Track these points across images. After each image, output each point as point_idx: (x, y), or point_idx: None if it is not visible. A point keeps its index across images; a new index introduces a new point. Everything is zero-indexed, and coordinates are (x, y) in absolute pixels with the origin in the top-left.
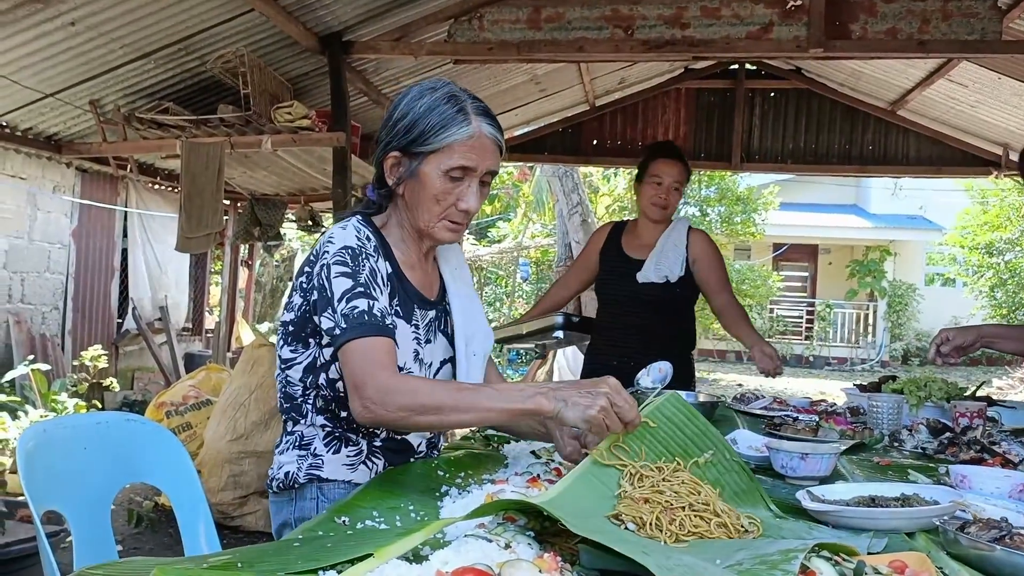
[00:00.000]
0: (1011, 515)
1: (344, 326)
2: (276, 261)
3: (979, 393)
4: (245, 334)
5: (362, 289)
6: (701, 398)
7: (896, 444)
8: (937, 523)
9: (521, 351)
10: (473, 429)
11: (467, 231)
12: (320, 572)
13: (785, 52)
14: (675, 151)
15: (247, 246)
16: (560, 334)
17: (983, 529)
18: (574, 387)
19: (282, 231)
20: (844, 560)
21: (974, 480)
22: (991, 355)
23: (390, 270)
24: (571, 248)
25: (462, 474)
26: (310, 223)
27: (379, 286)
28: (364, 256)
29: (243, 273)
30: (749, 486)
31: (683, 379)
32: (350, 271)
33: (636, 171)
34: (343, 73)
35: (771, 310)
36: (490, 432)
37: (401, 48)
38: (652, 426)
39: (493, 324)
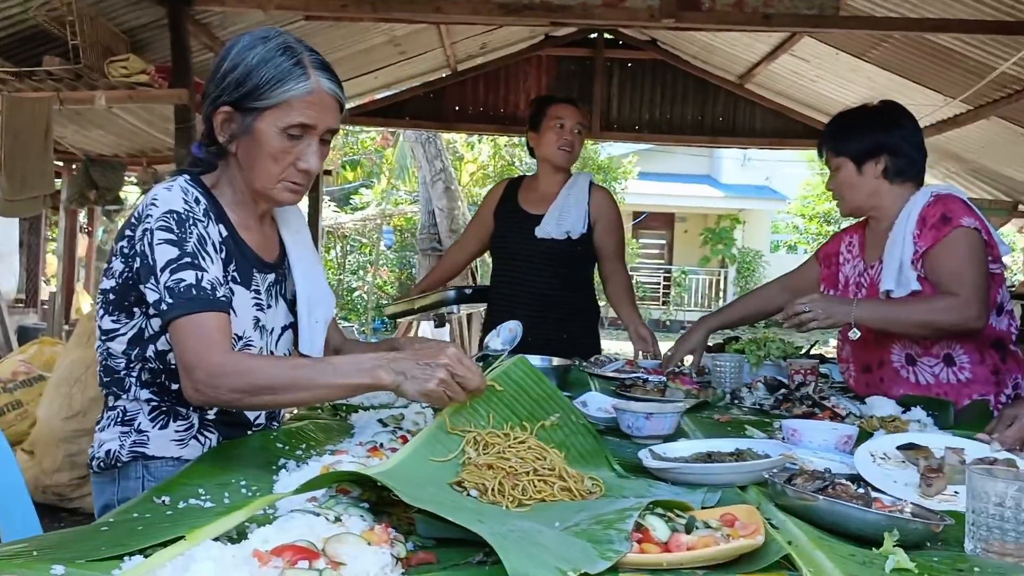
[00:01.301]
0: (835, 466)
1: (170, 301)
2: (119, 226)
3: (813, 352)
4: (85, 305)
5: (189, 259)
6: (555, 362)
7: (736, 401)
8: (766, 476)
9: (386, 320)
10: None
11: (329, 199)
12: (126, 558)
13: (639, 21)
14: (570, 98)
15: (87, 211)
16: (454, 308)
17: (808, 480)
18: (414, 357)
19: (122, 195)
20: (677, 516)
21: (804, 433)
22: None
23: (224, 233)
24: (435, 216)
25: (303, 446)
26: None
27: (209, 254)
28: (192, 221)
29: (83, 240)
30: (595, 447)
31: (590, 352)
32: (175, 238)
33: (526, 130)
34: (185, 26)
35: (631, 277)
36: (339, 401)
37: (248, 1)
38: (499, 390)
39: (384, 302)
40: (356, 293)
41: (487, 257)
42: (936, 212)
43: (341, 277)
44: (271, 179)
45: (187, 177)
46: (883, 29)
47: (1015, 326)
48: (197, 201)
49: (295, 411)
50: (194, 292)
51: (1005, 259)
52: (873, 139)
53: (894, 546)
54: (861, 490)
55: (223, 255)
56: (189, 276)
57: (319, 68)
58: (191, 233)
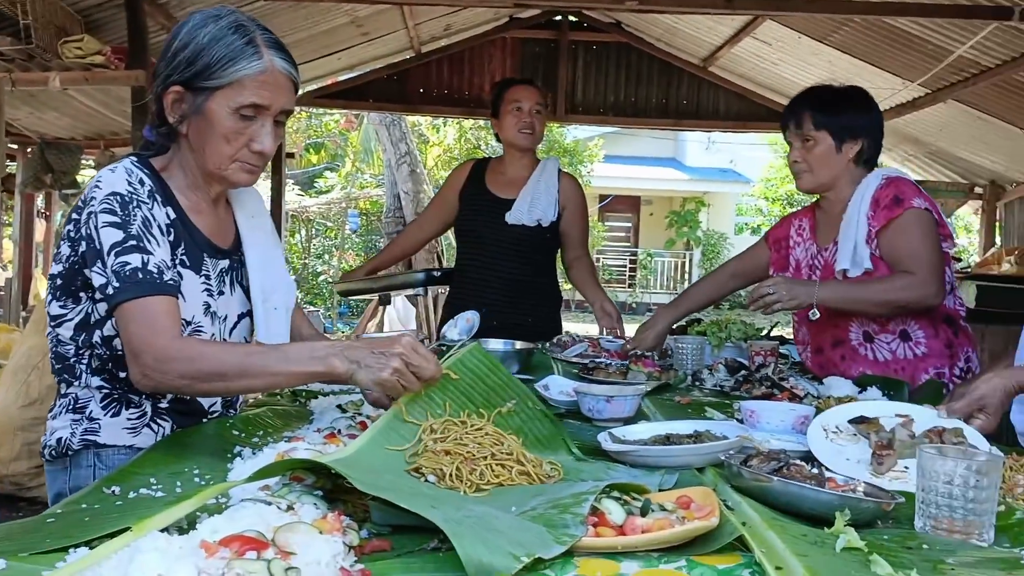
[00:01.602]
0: (792, 446)
1: (117, 284)
2: None
3: (774, 333)
4: (44, 291)
5: (134, 242)
6: (518, 345)
7: (698, 383)
8: (723, 458)
9: (352, 303)
10: None
11: (293, 182)
12: (71, 550)
13: (604, 3)
14: (526, 79)
15: (44, 196)
16: (420, 290)
17: (764, 461)
18: (368, 346)
19: (79, 178)
20: (633, 499)
21: (761, 415)
22: None
23: (173, 216)
24: (400, 199)
25: (260, 433)
26: None
27: (155, 237)
28: (136, 203)
29: (41, 225)
30: (552, 432)
31: (553, 336)
32: (119, 221)
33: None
34: (141, 6)
35: (597, 259)
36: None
37: None
38: (454, 378)
39: (327, 278)
40: (321, 277)
41: (452, 238)
42: (889, 194)
43: (306, 261)
44: (224, 160)
45: (133, 159)
46: (843, 12)
47: (960, 303)
48: (141, 182)
49: (254, 398)
50: (140, 276)
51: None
52: (859, 120)
53: (845, 525)
54: (815, 470)
55: (171, 238)
56: (135, 259)
57: (272, 47)
58: (135, 215)
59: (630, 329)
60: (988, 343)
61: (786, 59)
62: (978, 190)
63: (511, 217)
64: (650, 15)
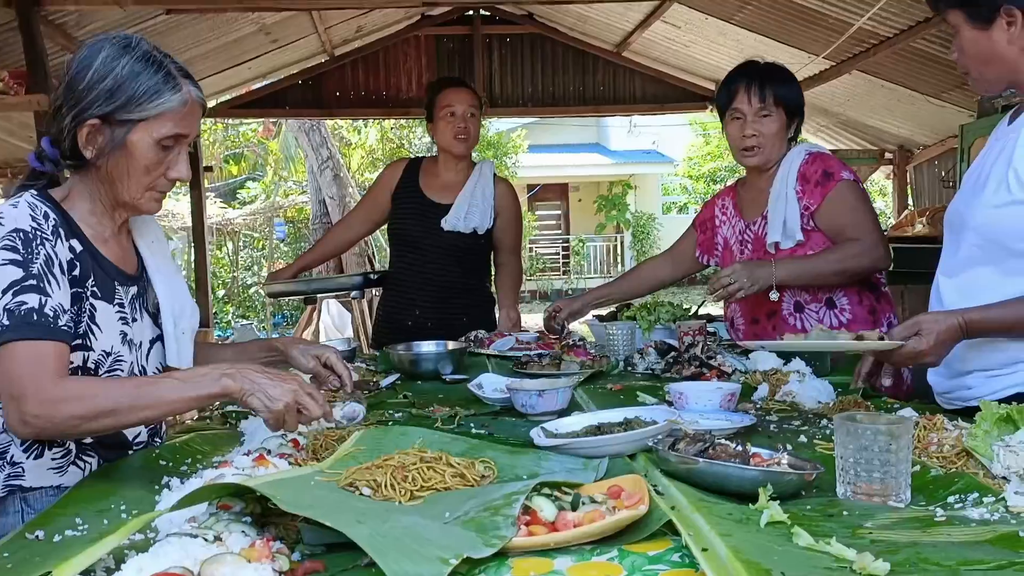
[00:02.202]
0: (720, 424)
1: (6, 323)
2: None
3: (702, 311)
4: None
5: (34, 282)
6: (450, 345)
7: (630, 368)
8: (651, 443)
9: (287, 312)
10: (212, 406)
11: (214, 195)
12: None
13: None
14: (457, 80)
15: None
16: (356, 293)
17: (691, 444)
18: (264, 373)
19: None
20: (564, 494)
21: (690, 396)
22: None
23: (80, 248)
24: (326, 204)
25: (188, 460)
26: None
27: (55, 277)
28: (39, 240)
29: None
30: (474, 445)
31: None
32: (21, 259)
33: (424, 113)
34: (38, 28)
35: (530, 249)
36: (229, 408)
37: None
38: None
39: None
40: (252, 289)
41: (384, 242)
42: (816, 169)
43: (235, 275)
44: (141, 190)
45: (33, 192)
46: None
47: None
48: (46, 216)
49: (182, 423)
50: (35, 317)
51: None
52: (800, 96)
53: (769, 500)
54: (739, 448)
55: (78, 271)
56: (32, 299)
57: (185, 76)
58: (38, 254)
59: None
60: (908, 302)
61: (697, 40)
62: (888, 155)
63: (447, 224)
64: (561, 5)
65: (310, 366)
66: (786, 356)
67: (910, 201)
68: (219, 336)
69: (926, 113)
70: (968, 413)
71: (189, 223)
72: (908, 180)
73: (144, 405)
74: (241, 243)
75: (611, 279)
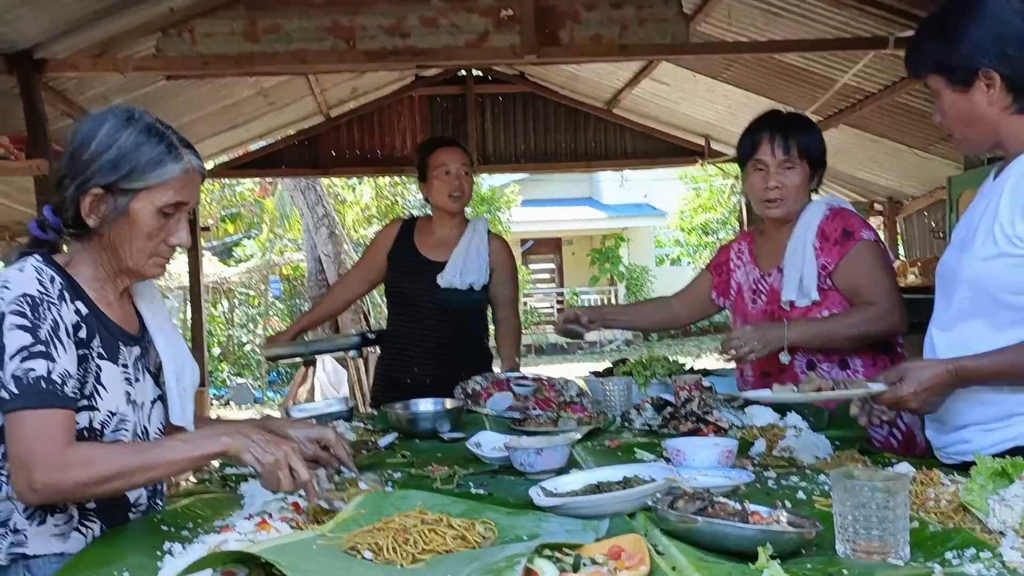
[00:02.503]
0: (718, 481)
1: (15, 391)
2: None
3: (699, 365)
4: None
5: (42, 348)
6: (448, 404)
7: (627, 424)
8: (650, 502)
9: (282, 370)
10: (211, 467)
11: (211, 253)
12: None
13: (503, 59)
14: (449, 139)
15: None
16: (354, 352)
17: (689, 502)
18: (260, 432)
19: None
20: (565, 555)
21: (687, 453)
22: (718, 324)
23: (85, 311)
24: (321, 262)
25: (189, 525)
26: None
27: (61, 342)
28: (46, 305)
29: None
30: (473, 506)
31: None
32: (29, 324)
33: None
34: (38, 94)
35: (524, 303)
36: (228, 471)
37: (104, 64)
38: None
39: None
40: (248, 347)
41: (379, 299)
42: (837, 227)
43: (231, 332)
44: (144, 256)
45: (37, 257)
46: (731, 52)
47: None
48: (52, 280)
49: (181, 486)
50: (43, 385)
51: None
52: (823, 148)
53: (769, 558)
54: (739, 506)
55: (84, 332)
56: (40, 367)
57: (186, 146)
58: (45, 319)
59: (554, 371)
60: (907, 352)
61: (686, 97)
62: (878, 207)
63: (443, 280)
64: (552, 65)
65: (309, 451)
66: (782, 410)
67: (901, 251)
68: (214, 394)
69: (913, 165)
70: (967, 467)
71: (186, 282)
72: (898, 231)
73: (150, 466)
74: (236, 301)
75: (605, 330)
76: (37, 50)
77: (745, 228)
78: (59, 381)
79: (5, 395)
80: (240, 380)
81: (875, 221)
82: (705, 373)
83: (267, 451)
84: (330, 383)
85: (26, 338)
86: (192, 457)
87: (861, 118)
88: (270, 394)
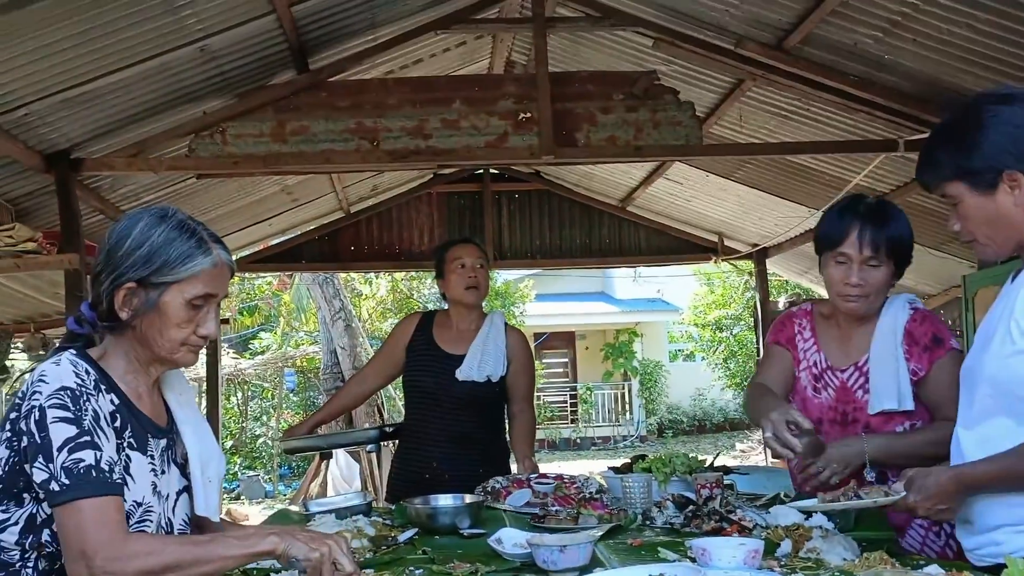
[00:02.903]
0: None
1: (67, 482)
2: (7, 395)
3: (717, 462)
4: None
5: (88, 437)
6: (467, 499)
7: (648, 522)
8: None
9: (294, 464)
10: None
11: (227, 345)
12: None
13: (521, 159)
14: (466, 238)
15: None
16: (372, 447)
17: None
18: (304, 532)
19: (9, 363)
20: None
21: (713, 552)
22: (734, 420)
23: (117, 402)
24: (337, 354)
25: None
26: (42, 352)
27: (103, 430)
28: (85, 396)
29: None
30: None
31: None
32: (72, 416)
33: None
34: (73, 192)
35: (538, 397)
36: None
37: (138, 164)
38: None
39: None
40: (260, 440)
41: (393, 392)
42: (926, 332)
43: (244, 425)
44: (175, 346)
45: (72, 352)
46: (744, 154)
47: None
48: (87, 372)
49: None
50: (94, 474)
51: None
52: (911, 246)
53: None
54: None
55: (117, 424)
56: (88, 456)
57: (216, 241)
58: (86, 409)
59: (569, 468)
60: None
61: (698, 195)
62: None
63: (461, 373)
64: (566, 165)
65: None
66: (808, 511)
67: None
68: (225, 487)
69: (928, 264)
70: (998, 570)
71: (202, 373)
72: None
73: (204, 560)
74: (250, 393)
75: (619, 427)
76: (74, 150)
77: (759, 324)
78: (107, 468)
79: (56, 487)
80: (251, 473)
81: None
82: (726, 471)
83: (313, 548)
84: (343, 477)
85: (71, 430)
86: (244, 554)
87: None
88: (281, 488)
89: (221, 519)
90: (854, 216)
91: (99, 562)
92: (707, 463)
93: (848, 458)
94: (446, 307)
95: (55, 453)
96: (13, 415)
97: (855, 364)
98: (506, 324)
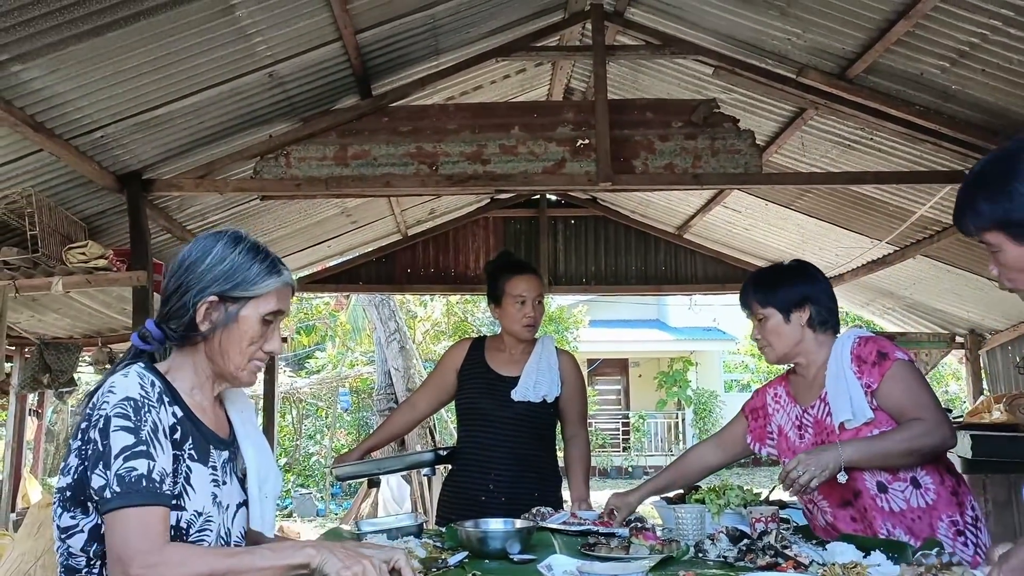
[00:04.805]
0: None
1: (118, 489)
2: (72, 407)
3: (773, 496)
4: (33, 491)
5: (144, 447)
6: (517, 524)
7: (701, 555)
8: None
9: (344, 485)
10: None
11: (284, 364)
12: None
13: (578, 185)
14: (524, 265)
15: (37, 393)
16: (428, 471)
17: None
18: (341, 546)
19: (77, 375)
20: None
21: None
22: None
23: (180, 414)
24: (391, 375)
25: None
26: (107, 366)
27: (160, 442)
28: (147, 408)
29: (31, 423)
30: None
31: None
32: (132, 426)
33: (487, 291)
34: (143, 211)
35: (590, 424)
36: None
37: (206, 185)
38: None
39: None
40: (313, 459)
41: (444, 415)
42: (870, 350)
43: (298, 443)
44: (244, 361)
45: (141, 365)
46: (805, 183)
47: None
48: (153, 385)
49: None
50: (144, 483)
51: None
52: (799, 290)
53: None
54: None
55: (178, 435)
56: (141, 466)
57: (282, 263)
58: (146, 420)
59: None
60: (991, 492)
61: (757, 224)
62: (959, 339)
63: (516, 394)
64: (623, 192)
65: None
66: (865, 547)
67: (985, 386)
68: (278, 504)
69: (995, 298)
70: None
71: (260, 391)
72: (981, 364)
73: (238, 570)
74: (305, 411)
75: (672, 456)
76: (146, 171)
77: None
78: (158, 479)
79: (108, 495)
80: (304, 491)
81: (956, 354)
82: (782, 506)
83: (348, 564)
84: (393, 499)
85: (129, 439)
86: (279, 566)
87: (939, 249)
88: (332, 506)
89: (276, 535)
90: (742, 292)
91: (135, 569)
92: (762, 497)
93: (823, 461)
94: (498, 331)
95: (113, 460)
96: (84, 424)
97: (819, 397)
98: (556, 348)
